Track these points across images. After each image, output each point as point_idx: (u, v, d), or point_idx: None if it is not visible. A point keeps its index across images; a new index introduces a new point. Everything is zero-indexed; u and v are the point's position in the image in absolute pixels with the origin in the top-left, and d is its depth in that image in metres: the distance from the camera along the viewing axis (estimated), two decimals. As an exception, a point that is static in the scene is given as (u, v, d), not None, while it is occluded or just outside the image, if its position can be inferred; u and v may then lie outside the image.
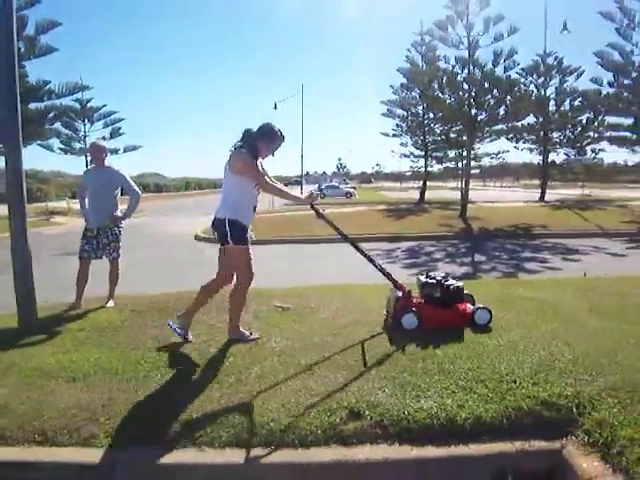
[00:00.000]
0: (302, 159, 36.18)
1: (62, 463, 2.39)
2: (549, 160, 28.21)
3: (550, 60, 25.90)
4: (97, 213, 4.98)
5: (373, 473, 2.35)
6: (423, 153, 27.37)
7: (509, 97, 17.52)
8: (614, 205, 21.00)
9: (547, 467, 2.38)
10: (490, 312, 3.83)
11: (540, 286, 5.51)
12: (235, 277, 3.82)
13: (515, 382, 2.82)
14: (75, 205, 22.66)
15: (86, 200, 5.12)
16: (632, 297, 4.76)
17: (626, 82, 18.55)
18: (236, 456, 2.38)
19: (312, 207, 3.87)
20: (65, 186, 37.32)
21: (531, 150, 28.54)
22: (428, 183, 28.65)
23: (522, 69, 24.26)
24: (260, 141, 3.66)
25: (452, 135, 23.14)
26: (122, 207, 5.16)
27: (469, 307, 3.92)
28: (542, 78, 26.15)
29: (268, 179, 3.76)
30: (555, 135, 27.61)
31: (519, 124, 23.57)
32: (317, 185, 45.22)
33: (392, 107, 27.40)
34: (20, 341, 3.91)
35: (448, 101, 18.60)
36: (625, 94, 18.89)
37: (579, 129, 26.47)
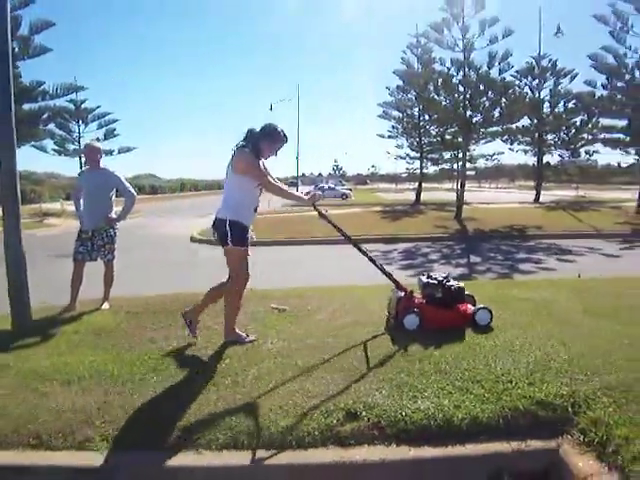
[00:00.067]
0: (298, 160, 36.33)
1: (57, 467, 2.38)
2: (544, 162, 28.41)
3: (544, 62, 26.10)
4: (92, 215, 4.97)
5: (370, 474, 2.35)
6: (419, 155, 27.46)
7: (504, 99, 17.62)
8: (608, 206, 21.13)
9: (543, 466, 2.39)
10: (491, 312, 3.85)
11: (535, 287, 5.53)
12: (231, 278, 3.81)
13: (511, 382, 2.82)
14: (69, 207, 22.57)
15: (81, 202, 5.10)
16: (626, 298, 4.78)
17: (619, 84, 18.68)
18: (234, 458, 2.37)
19: (315, 208, 3.87)
20: (59, 187, 37.09)
21: (526, 152, 28.76)
22: (424, 184, 28.76)
23: (517, 71, 24.45)
24: (263, 141, 3.66)
25: (447, 137, 23.23)
26: (117, 209, 5.15)
27: (470, 308, 3.93)
28: (537, 80, 26.34)
29: (271, 179, 3.76)
30: (549, 137, 27.81)
31: (514, 126, 23.67)
32: (314, 186, 45.22)
33: (388, 109, 27.50)
34: (14, 343, 3.89)
35: (444, 103, 18.68)
36: (618, 96, 19.01)
37: (573, 131, 26.66)
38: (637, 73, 18.25)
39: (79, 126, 27.03)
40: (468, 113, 17.87)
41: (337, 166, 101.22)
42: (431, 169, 28.46)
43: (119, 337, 4.00)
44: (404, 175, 45.10)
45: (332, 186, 44.44)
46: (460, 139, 19.90)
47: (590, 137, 25.73)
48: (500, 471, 2.37)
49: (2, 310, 4.44)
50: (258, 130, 3.68)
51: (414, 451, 2.39)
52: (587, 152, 27.01)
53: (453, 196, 20.09)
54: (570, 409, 2.57)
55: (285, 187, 3.98)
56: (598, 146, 25.42)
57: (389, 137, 28.63)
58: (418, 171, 28.05)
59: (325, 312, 4.48)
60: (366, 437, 2.47)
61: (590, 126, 24.96)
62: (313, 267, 9.37)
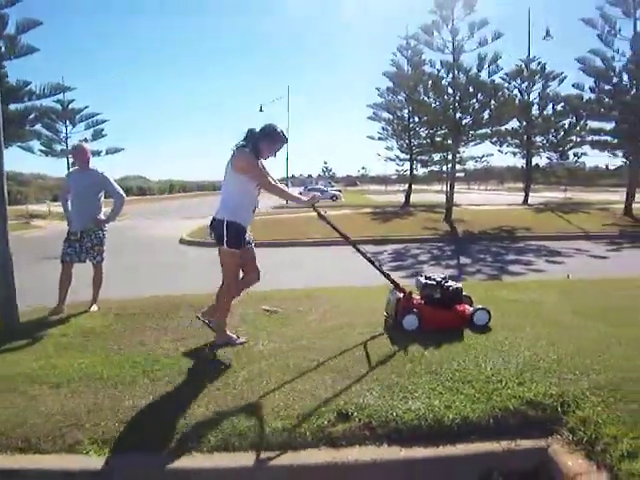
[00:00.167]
0: (287, 161, 36.11)
1: (47, 470, 2.35)
2: (532, 164, 28.61)
3: (533, 65, 26.30)
4: (81, 216, 4.92)
5: (362, 474, 2.35)
6: (408, 156, 27.50)
7: (493, 101, 17.71)
8: (596, 208, 21.34)
9: (533, 465, 2.40)
10: (489, 313, 3.87)
11: (524, 288, 5.57)
12: (222, 279, 3.79)
13: (501, 382, 2.84)
14: (55, 208, 22.40)
15: (69, 203, 5.05)
16: (614, 299, 4.84)
17: (607, 87, 18.82)
18: (224, 460, 2.36)
19: (314, 209, 3.87)
20: (46, 189, 36.68)
21: (515, 154, 28.89)
22: (413, 186, 28.80)
23: (506, 74, 24.53)
24: (263, 141, 3.65)
25: (437, 139, 23.30)
26: (106, 209, 5.11)
27: (468, 308, 3.95)
28: (526, 83, 26.50)
29: (271, 179, 3.75)
30: (538, 139, 27.97)
31: (503, 128, 23.79)
32: (304, 187, 45.12)
33: (378, 110, 27.49)
34: (1, 346, 3.85)
35: (433, 105, 18.74)
36: (606, 99, 19.18)
37: (562, 133, 26.85)
38: (624, 76, 18.46)
39: (66, 127, 26.69)
40: (457, 115, 17.97)
41: (327, 167, 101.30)
42: (421, 171, 28.45)
43: (108, 339, 3.97)
44: (394, 177, 45.07)
45: (322, 188, 44.23)
46: (450, 141, 20.00)
47: (578, 139, 25.91)
48: (491, 471, 2.38)
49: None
50: (258, 130, 3.67)
51: (405, 451, 2.40)
52: (575, 154, 27.21)
53: (443, 198, 20.20)
54: (559, 408, 2.60)
55: (285, 188, 3.98)
56: (586, 148, 25.60)
57: (379, 139, 28.64)
58: (408, 173, 28.08)
59: (316, 313, 4.47)
60: (358, 438, 2.47)
61: (578, 129, 25.15)
62: (307, 269, 9.35)
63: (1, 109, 4.22)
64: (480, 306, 3.93)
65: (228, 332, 3.79)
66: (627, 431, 2.31)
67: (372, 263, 3.96)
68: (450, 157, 19.57)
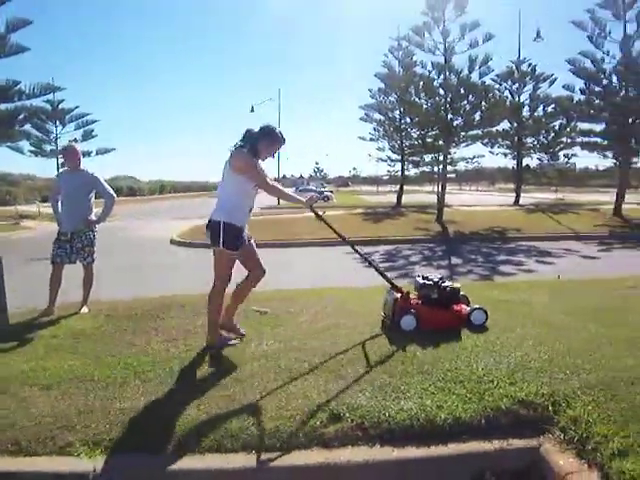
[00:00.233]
0: (279, 162, 36.03)
1: (37, 472, 2.32)
2: (523, 165, 28.79)
3: (524, 67, 26.49)
4: (71, 217, 4.89)
5: (355, 475, 2.35)
6: (400, 157, 27.55)
7: (484, 103, 17.80)
8: (586, 209, 21.52)
9: (525, 465, 2.42)
10: (486, 312, 3.89)
11: (515, 288, 5.61)
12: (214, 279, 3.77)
13: (493, 382, 2.85)
14: (45, 209, 22.18)
15: (59, 204, 5.01)
16: (604, 299, 4.88)
17: (597, 89, 18.99)
18: (216, 461, 2.35)
19: (312, 209, 3.86)
20: (35, 189, 36.36)
21: (506, 155, 29.08)
22: (405, 187, 28.86)
23: (497, 75, 24.70)
24: (261, 142, 3.64)
25: (428, 140, 23.33)
26: (96, 210, 5.07)
27: (465, 308, 3.97)
28: (516, 84, 26.70)
29: (269, 180, 3.75)
30: (529, 140, 28.17)
31: (494, 129, 23.95)
32: (295, 188, 45.02)
33: (370, 111, 27.54)
34: (-9, 348, 3.80)
35: (425, 106, 18.79)
36: (596, 101, 19.36)
37: (552, 135, 27.05)
38: (614, 78, 18.64)
39: (56, 127, 26.52)
40: (449, 116, 18.03)
41: (318, 168, 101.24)
42: (412, 172, 28.55)
43: (99, 341, 3.94)
44: (385, 177, 45.26)
45: (314, 189, 44.04)
46: (441, 142, 20.05)
47: (569, 141, 26.13)
48: (483, 470, 2.39)
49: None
50: (256, 131, 3.67)
51: (398, 452, 2.40)
52: (566, 155, 27.43)
53: (434, 199, 20.26)
54: (551, 408, 2.61)
55: (283, 188, 3.97)
56: (576, 149, 25.80)
57: (371, 140, 28.68)
58: (399, 173, 28.15)
59: (308, 314, 4.46)
60: (350, 438, 2.47)
61: (569, 130, 25.34)
62: (300, 269, 9.33)
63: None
64: (477, 306, 3.94)
65: (222, 332, 3.78)
66: (618, 430, 2.32)
67: (370, 263, 3.97)
68: (441, 158, 19.63)
